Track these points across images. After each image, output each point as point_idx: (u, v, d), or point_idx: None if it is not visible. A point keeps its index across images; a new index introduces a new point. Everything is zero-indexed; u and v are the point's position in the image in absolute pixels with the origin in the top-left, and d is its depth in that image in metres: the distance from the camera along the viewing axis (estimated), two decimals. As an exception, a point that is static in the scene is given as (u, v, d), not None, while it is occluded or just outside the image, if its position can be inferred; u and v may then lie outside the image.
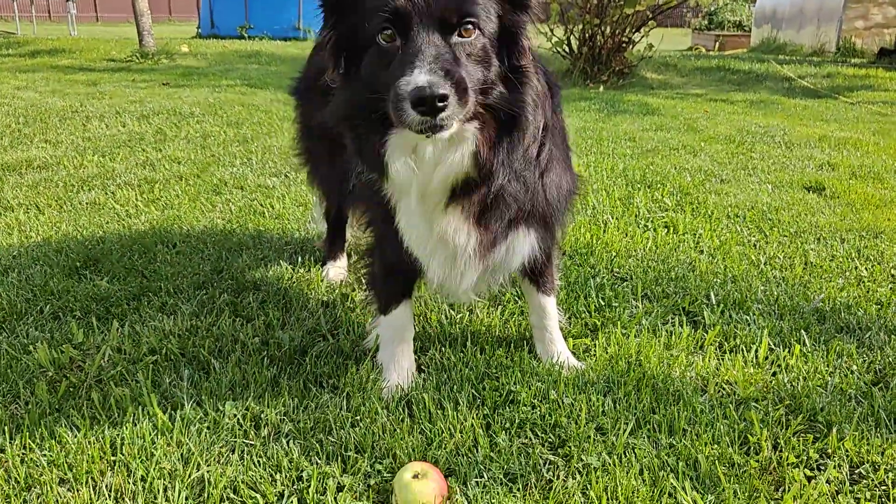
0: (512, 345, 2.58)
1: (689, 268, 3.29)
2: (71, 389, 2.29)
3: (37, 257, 3.33)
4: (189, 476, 1.89)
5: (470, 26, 1.74)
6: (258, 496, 1.82)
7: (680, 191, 4.50)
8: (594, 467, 1.94)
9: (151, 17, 12.80)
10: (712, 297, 2.96)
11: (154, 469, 1.91)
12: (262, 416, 2.14)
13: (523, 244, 2.18)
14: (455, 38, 1.74)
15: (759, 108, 8.41)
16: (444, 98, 1.62)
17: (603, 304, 2.90)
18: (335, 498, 1.82)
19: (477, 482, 1.89)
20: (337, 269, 3.26)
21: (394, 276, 2.37)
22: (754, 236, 3.76)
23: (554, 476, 1.92)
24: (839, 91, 9.65)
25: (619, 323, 2.73)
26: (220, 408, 2.17)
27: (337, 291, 3.04)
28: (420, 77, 1.62)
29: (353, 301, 2.94)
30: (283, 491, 1.86)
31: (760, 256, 3.46)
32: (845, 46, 15.27)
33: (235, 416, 2.14)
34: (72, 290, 2.97)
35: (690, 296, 2.98)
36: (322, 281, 3.16)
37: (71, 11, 20.61)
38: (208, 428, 2.10)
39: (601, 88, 9.62)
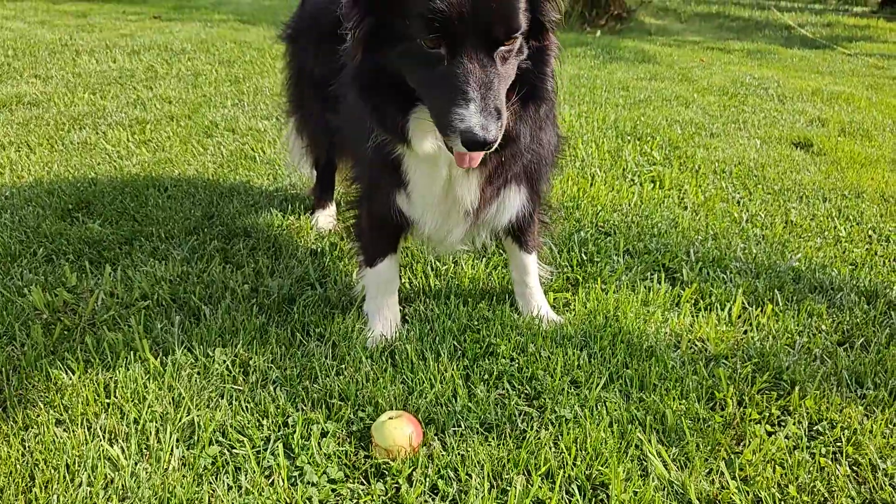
0: (494, 298, 2.66)
1: (672, 224, 3.35)
2: (65, 332, 2.37)
3: (29, 198, 3.37)
4: (180, 420, 1.98)
5: (514, 37, 1.76)
6: (245, 440, 1.92)
7: (669, 144, 4.53)
8: (566, 419, 2.04)
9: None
10: (692, 254, 3.03)
11: (146, 412, 2.00)
12: (251, 362, 2.23)
13: (514, 201, 2.25)
14: (498, 51, 1.74)
15: (755, 58, 8.37)
16: (494, 142, 1.69)
17: (585, 259, 2.98)
18: (319, 443, 1.92)
19: (454, 431, 1.99)
20: (326, 217, 3.31)
21: (381, 229, 2.43)
22: (738, 192, 3.81)
23: (528, 427, 2.02)
24: (838, 41, 9.58)
25: (599, 278, 2.81)
26: (210, 354, 2.25)
27: (326, 240, 3.10)
28: (474, 119, 1.66)
29: (342, 251, 3.00)
30: (270, 436, 1.95)
31: (743, 214, 3.52)
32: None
33: (225, 361, 2.23)
34: (64, 234, 3.03)
35: (671, 252, 3.05)
36: (311, 229, 3.21)
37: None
38: (198, 373, 2.18)
39: (598, 33, 9.51)
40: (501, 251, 2.99)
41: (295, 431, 1.94)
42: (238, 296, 2.59)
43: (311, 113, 3.11)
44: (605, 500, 1.78)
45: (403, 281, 2.76)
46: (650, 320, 2.55)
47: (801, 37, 10.06)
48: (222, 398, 2.08)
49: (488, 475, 1.82)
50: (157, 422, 1.97)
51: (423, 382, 2.16)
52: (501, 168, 2.13)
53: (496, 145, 1.72)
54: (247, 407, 2.05)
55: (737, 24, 11.49)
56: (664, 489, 1.82)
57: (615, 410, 2.08)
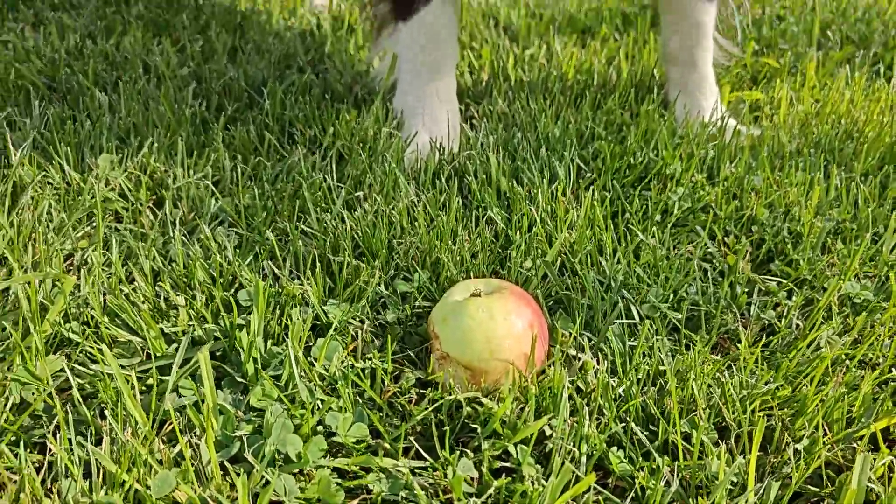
0: (627, 96, 1.47)
1: (874, 10, 2.13)
2: None
3: None
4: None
5: None
6: (128, 335, 0.79)
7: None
8: (865, 305, 0.91)
9: None
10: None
11: None
12: (166, 176, 1.08)
13: None
14: None
15: None
16: None
17: (760, 47, 1.78)
18: (308, 351, 0.79)
19: (617, 328, 0.85)
20: (326, -9, 2.08)
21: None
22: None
23: (782, 313, 0.89)
24: None
25: (800, 70, 1.62)
26: (90, 161, 1.10)
27: (326, 16, 1.89)
28: None
29: (352, 27, 1.80)
30: (189, 329, 0.82)
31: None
32: None
33: (116, 176, 1.08)
34: None
35: (891, 41, 1.85)
36: (302, 4, 2.00)
37: None
38: (58, 197, 1.04)
39: None
40: (618, 32, 1.79)
41: (251, 319, 0.80)
42: (166, 81, 1.42)
43: None
44: None
45: (460, 69, 1.57)
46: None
47: None
48: (107, 248, 0.94)
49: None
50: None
51: (534, 226, 1.01)
52: None
53: None
54: (153, 268, 0.91)
55: None
56: None
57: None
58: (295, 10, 1.93)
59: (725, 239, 1.05)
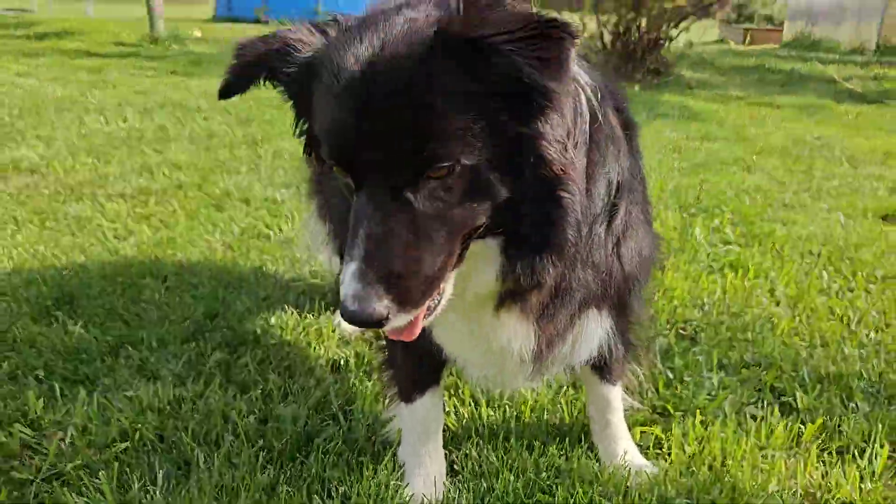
0: (566, 436, 2.08)
1: (768, 325, 2.77)
2: (15, 494, 1.82)
3: (4, 291, 2.86)
4: None
5: (441, 167, 1.21)
6: None
7: (743, 220, 3.97)
8: None
9: (166, -3, 12.19)
10: (804, 371, 2.44)
11: None
12: (253, 545, 1.67)
13: (594, 333, 1.69)
14: (419, 190, 1.23)
15: (808, 114, 7.81)
16: (378, 322, 1.22)
17: (672, 377, 2.40)
18: None
19: None
20: (352, 318, 2.76)
21: (418, 359, 1.89)
22: (836, 282, 3.23)
23: None
24: (891, 96, 9.01)
25: (695, 407, 2.23)
26: (200, 530, 1.70)
27: (350, 348, 2.55)
28: (348, 285, 1.21)
29: (370, 364, 2.45)
30: None
31: (849, 311, 2.93)
32: (885, 45, 14.53)
33: (218, 543, 1.67)
34: (38, 340, 2.50)
35: (775, 366, 2.47)
36: (333, 332, 2.67)
37: (89, -12, 20.03)
38: (182, 562, 1.63)
39: (636, 88, 9.01)
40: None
41: None
42: (241, 434, 2.04)
43: (334, 196, 2.59)
44: None
45: (447, 409, 2.20)
46: (773, 473, 1.96)
47: (850, 91, 9.51)
48: None
49: None
50: None
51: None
52: (563, 294, 1.54)
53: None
54: None
55: (779, 78, 10.97)
56: None
57: None
58: (328, 338, 2.59)
59: (614, 585, 1.61)
